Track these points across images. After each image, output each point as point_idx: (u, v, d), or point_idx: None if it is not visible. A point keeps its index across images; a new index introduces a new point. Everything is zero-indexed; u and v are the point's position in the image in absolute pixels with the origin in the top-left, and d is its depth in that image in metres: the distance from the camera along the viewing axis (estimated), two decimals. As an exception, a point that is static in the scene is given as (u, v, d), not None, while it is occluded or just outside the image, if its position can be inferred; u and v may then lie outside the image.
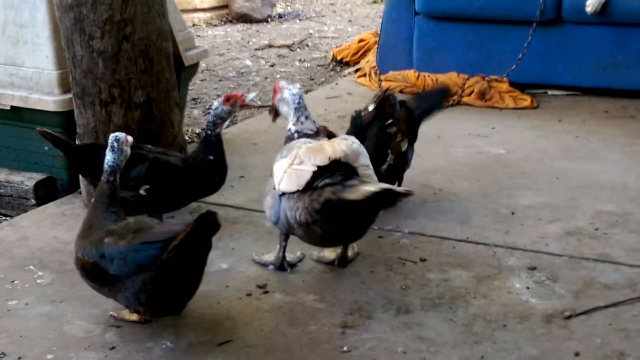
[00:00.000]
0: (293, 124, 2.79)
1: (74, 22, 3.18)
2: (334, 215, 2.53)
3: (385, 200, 2.50)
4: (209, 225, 2.21)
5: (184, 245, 2.20)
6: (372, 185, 2.46)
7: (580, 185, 3.60)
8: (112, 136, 2.55)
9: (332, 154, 2.56)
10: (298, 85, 2.85)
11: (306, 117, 2.79)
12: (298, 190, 2.57)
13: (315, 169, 2.54)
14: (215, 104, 3.04)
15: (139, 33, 3.22)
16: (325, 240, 2.66)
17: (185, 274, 2.30)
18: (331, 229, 2.57)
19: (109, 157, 2.53)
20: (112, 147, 2.53)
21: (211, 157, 3.06)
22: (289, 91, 2.80)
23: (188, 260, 2.26)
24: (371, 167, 2.70)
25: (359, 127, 3.23)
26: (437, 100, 3.53)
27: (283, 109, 2.83)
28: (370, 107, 3.23)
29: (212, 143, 3.06)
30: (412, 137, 3.34)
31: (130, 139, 2.58)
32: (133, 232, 2.31)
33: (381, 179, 3.11)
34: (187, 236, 2.19)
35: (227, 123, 3.08)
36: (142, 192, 2.97)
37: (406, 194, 2.44)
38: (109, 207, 2.49)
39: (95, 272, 2.37)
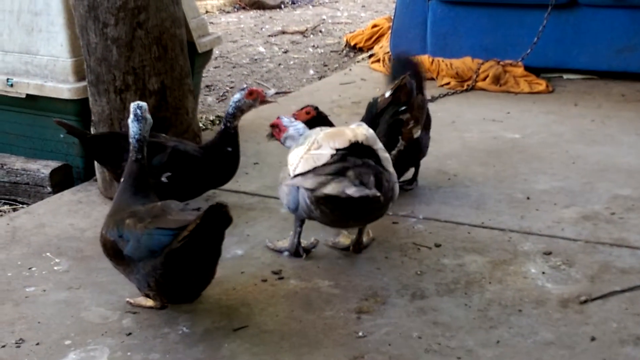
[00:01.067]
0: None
1: (88, 10, 3.18)
2: (327, 202, 2.56)
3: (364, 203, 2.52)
4: (219, 217, 2.21)
5: (194, 236, 2.21)
6: (347, 188, 2.48)
7: (596, 170, 3.58)
8: (133, 105, 2.51)
9: (353, 137, 2.58)
10: (297, 121, 2.91)
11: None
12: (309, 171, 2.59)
13: (334, 152, 2.56)
14: (237, 96, 3.06)
15: (153, 20, 3.22)
16: (340, 220, 2.67)
17: (195, 263, 2.31)
18: (330, 212, 2.59)
19: (134, 127, 2.48)
20: (136, 115, 2.48)
21: (229, 149, 3.09)
22: (293, 127, 2.86)
23: (198, 250, 2.27)
24: (386, 151, 2.71)
25: (374, 113, 3.23)
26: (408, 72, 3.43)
27: (291, 145, 2.84)
28: (387, 94, 3.22)
29: (231, 135, 3.09)
30: (427, 124, 3.32)
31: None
32: (152, 217, 2.33)
33: (393, 164, 3.15)
34: (196, 228, 2.19)
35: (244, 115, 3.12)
36: (164, 179, 2.98)
37: (375, 197, 2.48)
38: (138, 188, 2.48)
39: (113, 251, 2.41)
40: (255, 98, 3.05)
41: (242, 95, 3.05)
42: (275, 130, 2.93)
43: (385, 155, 2.69)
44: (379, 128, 3.14)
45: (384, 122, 3.18)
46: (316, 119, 3.09)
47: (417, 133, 3.22)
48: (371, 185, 2.50)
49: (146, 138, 2.51)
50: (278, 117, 2.94)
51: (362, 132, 2.62)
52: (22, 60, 3.71)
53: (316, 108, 3.13)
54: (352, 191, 2.47)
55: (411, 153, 3.25)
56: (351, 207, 2.56)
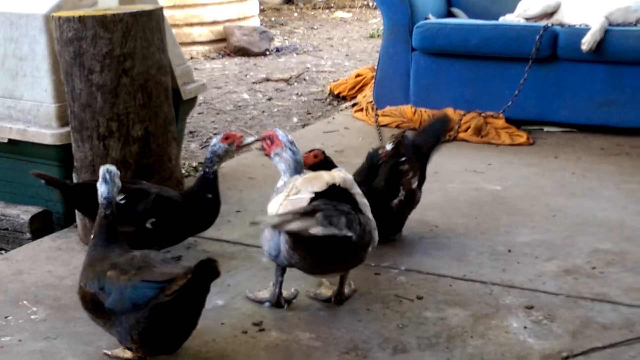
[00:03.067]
0: (284, 183, 2.81)
1: (74, 56, 3.20)
2: (301, 241, 2.54)
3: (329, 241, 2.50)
4: (208, 272, 2.20)
5: (183, 291, 2.19)
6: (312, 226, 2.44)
7: (576, 223, 3.61)
8: (103, 168, 2.56)
9: (330, 180, 2.58)
10: (298, 146, 2.86)
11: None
12: None
13: (313, 195, 2.56)
14: (214, 141, 3.06)
15: (139, 67, 3.23)
16: (319, 266, 2.65)
17: (180, 316, 2.29)
18: (309, 254, 2.57)
19: (102, 189, 2.53)
20: (105, 179, 2.54)
21: (209, 196, 3.08)
22: (292, 155, 2.83)
23: (184, 304, 2.25)
24: (364, 196, 2.72)
25: (374, 164, 3.31)
26: (440, 131, 3.55)
27: (279, 164, 2.84)
28: (388, 147, 3.28)
29: (210, 181, 3.09)
30: (422, 177, 3.38)
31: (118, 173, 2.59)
32: (136, 269, 2.31)
33: (391, 213, 3.20)
34: (187, 283, 2.18)
35: (224, 161, 3.11)
36: (148, 225, 2.97)
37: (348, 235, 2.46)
38: (110, 240, 2.49)
39: (93, 303, 2.37)
40: (232, 142, 3.05)
41: (218, 140, 3.06)
42: (267, 142, 2.88)
43: (363, 201, 2.70)
44: (379, 177, 3.24)
45: (386, 171, 3.25)
46: (323, 162, 3.12)
47: (414, 184, 3.26)
48: (341, 226, 2.48)
49: (114, 198, 2.56)
50: (274, 130, 2.90)
51: (339, 175, 2.63)
52: (5, 105, 3.71)
53: (323, 152, 3.16)
54: (316, 230, 2.43)
55: (408, 204, 3.30)
56: (320, 247, 2.54)
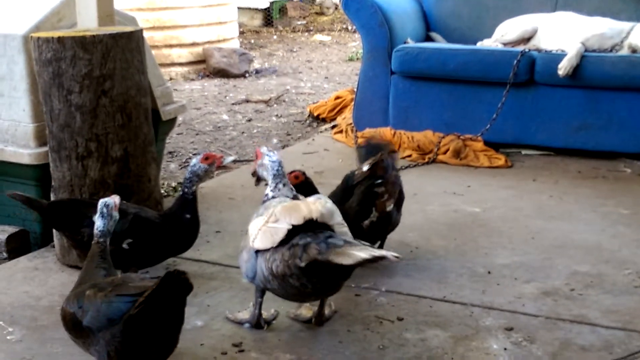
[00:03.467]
0: (271, 190, 2.83)
1: (53, 77, 3.18)
2: (316, 273, 2.53)
3: (370, 263, 2.51)
4: (177, 284, 2.19)
5: (150, 302, 2.17)
6: (362, 251, 2.45)
7: (555, 245, 3.63)
8: (101, 202, 2.57)
9: (308, 214, 2.58)
10: (277, 153, 2.90)
11: (284, 185, 2.83)
12: (273, 247, 2.58)
13: (290, 227, 2.57)
14: (194, 161, 3.06)
15: (118, 88, 3.22)
16: (301, 294, 2.64)
17: (154, 331, 2.26)
18: (309, 283, 2.56)
19: (99, 223, 2.55)
20: (102, 213, 2.55)
21: (188, 216, 3.07)
22: (268, 158, 2.86)
23: (156, 317, 2.23)
24: (345, 224, 2.72)
25: (349, 185, 3.30)
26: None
27: (263, 174, 2.89)
28: (365, 168, 3.28)
29: (189, 201, 3.08)
30: (399, 201, 3.38)
31: (118, 201, 2.60)
32: (113, 286, 2.29)
33: (363, 233, 3.16)
34: (152, 293, 2.16)
35: (203, 181, 3.10)
36: (125, 245, 2.94)
37: (395, 259, 2.44)
38: (99, 264, 2.51)
39: (72, 323, 2.35)
40: (212, 163, 3.06)
41: (197, 160, 3.05)
42: (255, 162, 2.92)
43: (343, 230, 2.68)
44: (352, 198, 3.22)
45: (359, 192, 3.24)
46: (304, 184, 3.16)
47: (389, 207, 3.26)
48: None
49: (110, 232, 2.57)
50: (258, 147, 2.95)
51: (317, 208, 2.62)
52: (-18, 124, 3.67)
53: (304, 173, 3.18)
54: (364, 254, 2.42)
55: (382, 225, 3.29)
56: (330, 275, 2.55)
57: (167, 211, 3.16)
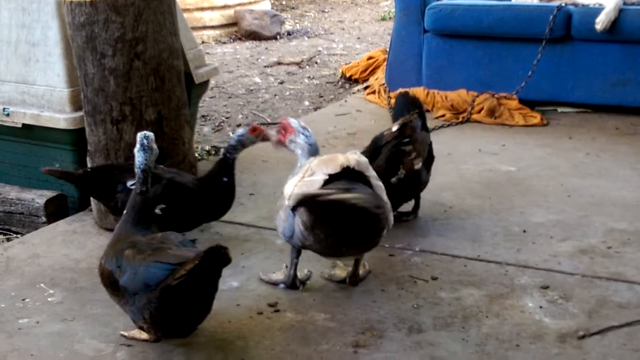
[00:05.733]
0: (299, 163, 2.83)
1: (86, 41, 3.20)
2: (331, 221, 2.54)
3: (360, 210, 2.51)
4: (218, 258, 2.20)
5: (191, 275, 2.20)
6: (358, 194, 2.46)
7: (591, 203, 3.59)
8: (140, 134, 2.52)
9: (345, 162, 2.59)
10: (311, 130, 2.88)
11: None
12: None
13: (327, 177, 2.57)
14: (241, 130, 3.11)
15: (151, 51, 3.23)
16: (334, 247, 2.64)
17: (191, 300, 2.30)
18: (330, 233, 2.57)
19: (139, 157, 2.49)
20: (142, 145, 2.49)
21: (225, 179, 3.10)
22: (305, 139, 2.85)
23: (194, 288, 2.26)
24: (379, 179, 2.73)
25: (378, 145, 3.30)
26: (407, 107, 3.51)
27: (295, 149, 2.87)
28: (394, 128, 3.28)
29: (228, 166, 3.11)
30: (428, 161, 3.38)
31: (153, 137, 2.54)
32: (152, 250, 2.32)
33: (392, 191, 3.15)
34: (194, 268, 2.18)
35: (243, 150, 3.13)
36: (157, 211, 2.97)
37: (374, 210, 2.49)
38: (140, 220, 2.48)
39: (110, 281, 2.40)
40: (258, 135, 3.09)
41: (245, 131, 3.09)
42: (282, 132, 2.92)
43: (378, 184, 2.70)
44: (380, 156, 3.23)
45: (387, 151, 3.25)
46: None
47: (417, 165, 3.26)
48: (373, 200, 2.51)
49: (151, 168, 2.52)
50: (286, 119, 2.93)
51: (354, 157, 2.64)
52: (19, 90, 3.72)
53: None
54: (359, 198, 2.46)
55: (411, 184, 3.28)
56: (345, 225, 2.55)
57: (206, 174, 3.19)
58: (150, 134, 2.53)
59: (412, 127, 3.29)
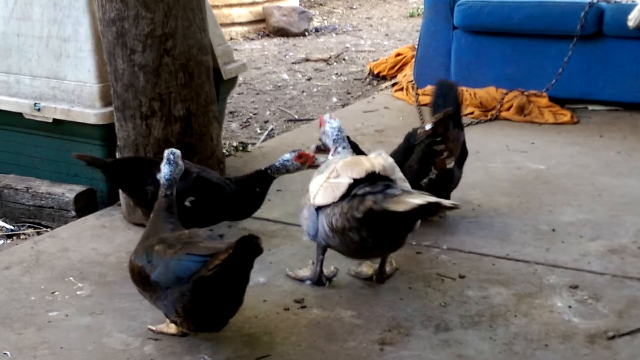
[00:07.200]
0: (331, 154, 2.87)
1: (116, 37, 3.22)
2: (374, 224, 2.52)
3: (428, 212, 2.50)
4: (251, 248, 2.21)
5: (225, 266, 2.20)
6: (417, 198, 2.44)
7: (622, 202, 3.54)
8: (167, 151, 2.65)
9: (370, 167, 2.58)
10: (338, 119, 2.93)
11: (343, 148, 2.86)
12: (334, 202, 2.59)
13: (352, 181, 2.56)
14: (287, 156, 3.09)
15: (180, 47, 3.25)
16: (362, 249, 2.64)
17: (224, 291, 2.30)
18: (369, 237, 2.56)
19: (165, 170, 2.62)
20: (169, 160, 2.62)
21: (258, 190, 3.11)
22: (329, 125, 2.90)
23: (227, 279, 2.27)
24: (406, 180, 2.72)
25: (411, 144, 3.29)
26: (452, 95, 3.48)
27: (325, 141, 2.93)
28: (427, 127, 3.26)
29: (267, 180, 3.13)
30: (461, 158, 3.35)
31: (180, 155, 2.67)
32: (183, 244, 2.34)
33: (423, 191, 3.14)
34: (228, 258, 2.19)
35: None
36: (187, 203, 2.99)
37: (452, 207, 2.45)
38: (166, 218, 2.57)
39: (141, 277, 2.42)
40: (304, 162, 3.08)
41: (291, 157, 3.08)
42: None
43: (404, 185, 2.68)
44: (412, 156, 3.21)
45: (419, 150, 3.23)
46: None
47: (450, 164, 3.24)
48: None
49: (176, 180, 2.64)
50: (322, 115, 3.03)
51: (379, 162, 2.63)
52: (49, 85, 3.75)
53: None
54: (418, 200, 2.41)
55: (442, 183, 3.26)
56: (392, 227, 2.55)
57: (241, 177, 3.19)
58: (177, 151, 2.66)
59: (446, 125, 3.26)
